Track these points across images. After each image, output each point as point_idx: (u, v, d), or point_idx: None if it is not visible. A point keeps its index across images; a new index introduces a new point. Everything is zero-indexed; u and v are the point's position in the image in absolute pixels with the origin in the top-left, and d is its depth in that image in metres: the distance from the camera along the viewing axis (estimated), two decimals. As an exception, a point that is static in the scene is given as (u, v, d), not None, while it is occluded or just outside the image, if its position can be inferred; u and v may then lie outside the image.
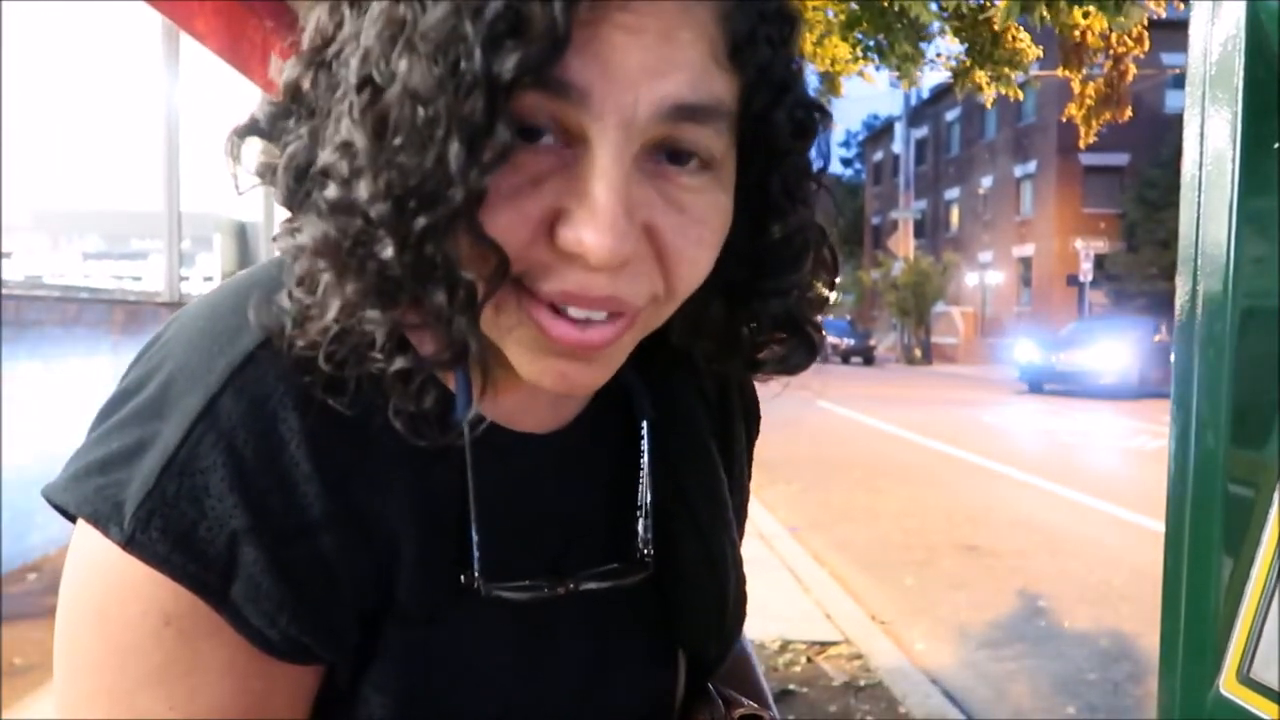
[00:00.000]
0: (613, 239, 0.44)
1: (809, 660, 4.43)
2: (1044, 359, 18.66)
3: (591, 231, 0.44)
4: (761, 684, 0.82)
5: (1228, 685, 0.64)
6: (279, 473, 0.47)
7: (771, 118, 0.50)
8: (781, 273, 0.56)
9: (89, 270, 6.78)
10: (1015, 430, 13.12)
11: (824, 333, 0.61)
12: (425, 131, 0.41)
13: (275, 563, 0.47)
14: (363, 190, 0.43)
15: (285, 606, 0.48)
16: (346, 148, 0.44)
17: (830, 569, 5.78)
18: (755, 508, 7.19)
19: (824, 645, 4.60)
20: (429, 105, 0.41)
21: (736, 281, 0.55)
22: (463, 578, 0.53)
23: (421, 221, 0.42)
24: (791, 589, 5.41)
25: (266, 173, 0.50)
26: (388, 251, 0.43)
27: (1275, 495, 0.61)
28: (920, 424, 12.80)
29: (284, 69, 0.49)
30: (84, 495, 0.47)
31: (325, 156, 0.45)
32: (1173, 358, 0.72)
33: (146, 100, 6.06)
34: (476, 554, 0.53)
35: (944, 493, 8.22)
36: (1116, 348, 17.23)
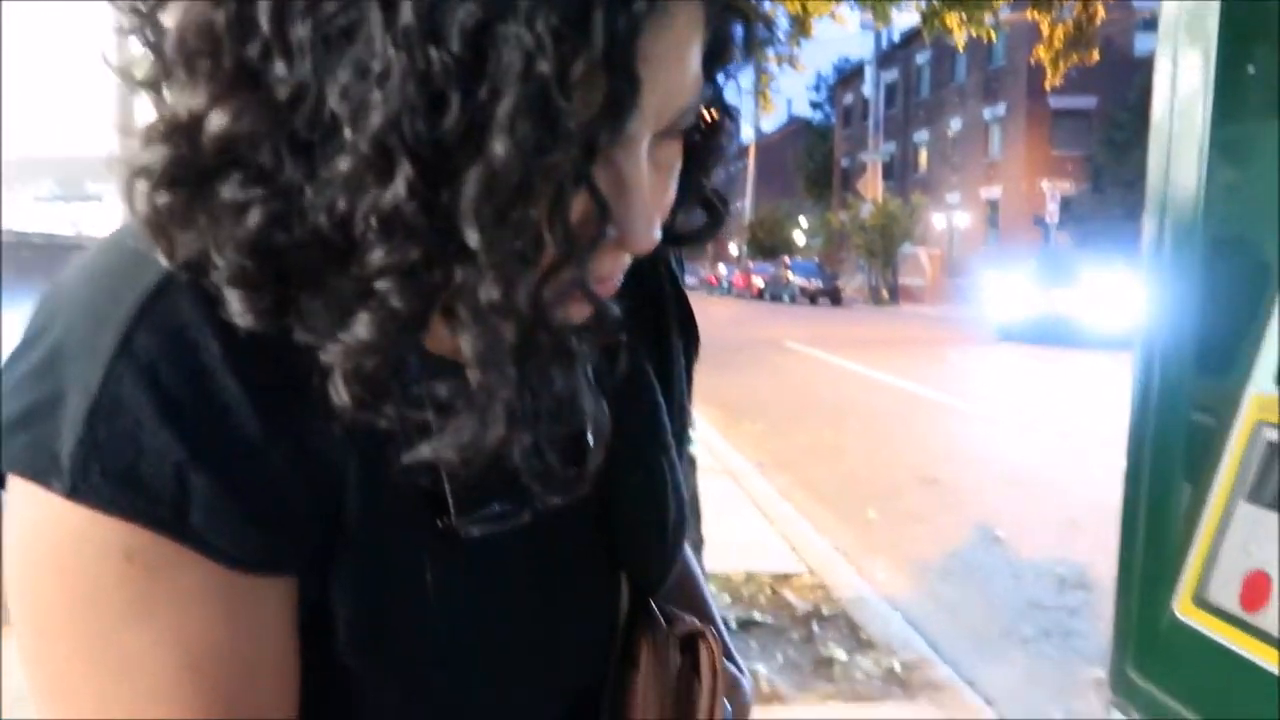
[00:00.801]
0: (652, 230, 0.48)
1: (773, 591, 4.53)
2: (1022, 308, 18.12)
3: (636, 225, 0.47)
4: (707, 600, 0.84)
5: (1182, 608, 0.66)
6: (209, 400, 0.46)
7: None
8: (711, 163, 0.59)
9: (43, 214, 6.61)
10: (979, 370, 13.31)
11: (726, 201, 0.63)
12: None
13: (227, 486, 0.46)
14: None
15: (249, 522, 0.47)
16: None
17: (795, 504, 5.88)
18: (723, 446, 7.29)
19: (788, 576, 4.70)
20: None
21: None
22: (413, 505, 0.52)
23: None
24: (758, 523, 5.50)
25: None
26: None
27: (1236, 422, 0.63)
28: (886, 364, 12.94)
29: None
30: (13, 453, 0.46)
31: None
32: (1138, 292, 0.74)
33: (99, 41, 5.84)
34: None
35: (908, 431, 8.36)
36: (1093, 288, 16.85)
